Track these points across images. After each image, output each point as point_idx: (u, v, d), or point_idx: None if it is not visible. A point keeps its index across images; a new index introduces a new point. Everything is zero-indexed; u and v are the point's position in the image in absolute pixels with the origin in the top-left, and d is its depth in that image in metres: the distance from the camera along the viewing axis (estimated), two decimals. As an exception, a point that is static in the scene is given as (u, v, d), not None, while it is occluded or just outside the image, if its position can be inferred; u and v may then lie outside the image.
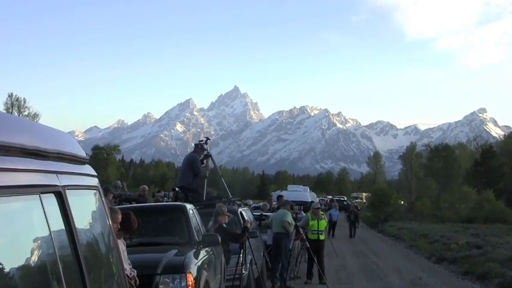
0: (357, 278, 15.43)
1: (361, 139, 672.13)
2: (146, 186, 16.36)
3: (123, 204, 11.97)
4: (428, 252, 21.05)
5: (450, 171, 65.45)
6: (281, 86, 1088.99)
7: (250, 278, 10.49)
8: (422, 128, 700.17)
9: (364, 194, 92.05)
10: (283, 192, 26.97)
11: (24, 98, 62.29)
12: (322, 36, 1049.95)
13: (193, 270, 6.65)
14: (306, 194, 33.14)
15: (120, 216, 5.37)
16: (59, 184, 2.42)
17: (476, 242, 21.60)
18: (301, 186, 41.61)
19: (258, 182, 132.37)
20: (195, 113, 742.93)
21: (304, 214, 17.62)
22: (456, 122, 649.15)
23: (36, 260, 2.09)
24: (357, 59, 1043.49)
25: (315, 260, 13.80)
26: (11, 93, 62.01)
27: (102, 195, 3.19)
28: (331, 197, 69.95)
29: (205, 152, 12.76)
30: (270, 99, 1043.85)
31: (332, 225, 28.01)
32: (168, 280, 6.42)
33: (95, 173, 3.15)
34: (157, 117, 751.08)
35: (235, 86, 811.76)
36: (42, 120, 60.81)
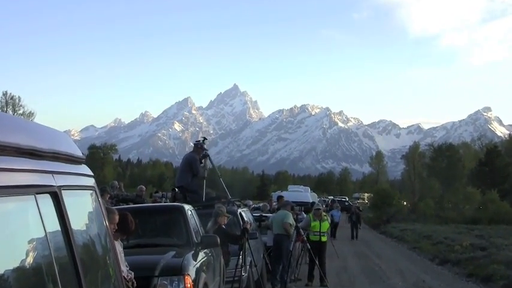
0: (359, 281, 15.44)
1: (363, 138, 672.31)
2: (144, 187, 16.34)
3: (120, 205, 11.96)
4: (432, 254, 21.07)
5: (454, 171, 65.38)
6: (281, 84, 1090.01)
7: (250, 280, 10.49)
8: (426, 127, 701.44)
9: (366, 195, 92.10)
10: (283, 193, 26.92)
11: (18, 97, 62.32)
12: (323, 33, 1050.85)
13: (192, 272, 6.65)
14: (306, 195, 33.11)
15: (117, 217, 5.37)
16: (54, 184, 2.42)
17: (481, 244, 21.62)
18: (301, 186, 41.56)
19: (257, 182, 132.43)
20: (194, 112, 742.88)
21: (305, 215, 17.62)
22: (460, 121, 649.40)
23: (31, 261, 2.09)
24: (359, 56, 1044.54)
25: (317, 262, 13.80)
26: (6, 92, 62.03)
27: (99, 196, 3.18)
28: (332, 197, 70.13)
29: (204, 152, 12.75)
30: (270, 98, 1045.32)
31: (334, 226, 28.03)
32: (166, 282, 6.42)
33: (92, 173, 3.15)
34: (155, 116, 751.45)
35: (235, 84, 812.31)
36: (37, 119, 60.87)
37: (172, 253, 7.02)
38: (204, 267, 7.38)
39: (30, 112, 61.30)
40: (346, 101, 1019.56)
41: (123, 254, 5.59)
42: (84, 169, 3.04)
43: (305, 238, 14.45)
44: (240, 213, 11.75)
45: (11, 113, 55.50)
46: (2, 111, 54.75)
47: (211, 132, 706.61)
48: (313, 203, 19.65)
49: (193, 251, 7.33)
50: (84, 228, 2.88)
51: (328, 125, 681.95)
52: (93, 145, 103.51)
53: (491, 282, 14.40)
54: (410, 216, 48.60)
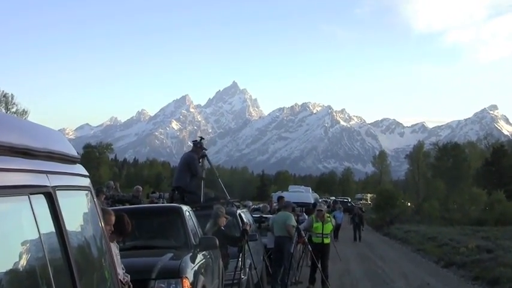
0: (362, 284, 15.45)
1: (365, 137, 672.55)
2: (140, 187, 16.35)
3: (116, 206, 11.96)
4: (437, 256, 21.07)
5: (459, 171, 65.42)
6: (282, 82, 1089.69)
7: (250, 283, 10.50)
8: (430, 125, 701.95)
9: (369, 195, 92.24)
10: (284, 193, 26.89)
11: (12, 94, 62.24)
12: (324, 29, 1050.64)
13: (190, 275, 6.66)
14: (308, 195, 33.10)
15: (113, 218, 5.37)
16: (49, 184, 2.42)
17: (487, 246, 21.61)
18: (302, 186, 41.57)
19: (257, 182, 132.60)
20: (192, 110, 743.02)
21: (306, 216, 17.62)
22: (466, 120, 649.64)
23: (25, 264, 2.09)
24: (361, 53, 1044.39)
25: (318, 265, 13.80)
26: (-2, 89, 61.94)
27: (94, 196, 3.19)
28: (334, 198, 70.13)
29: (202, 152, 12.76)
30: (270, 96, 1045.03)
31: (336, 228, 28.01)
32: (163, 285, 6.42)
33: (87, 173, 3.15)
34: (152, 115, 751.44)
35: (234, 81, 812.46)
36: (31, 118, 60.79)
37: (170, 255, 7.02)
38: (203, 270, 7.38)
39: (23, 110, 61.34)
40: (349, 99, 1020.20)
41: (119, 257, 5.59)
42: (79, 169, 3.04)
43: (306, 240, 14.44)
44: (240, 215, 11.76)
45: (3, 111, 55.45)
46: (-5, 109, 54.79)
47: (210, 131, 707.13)
48: (315, 204, 19.63)
49: (191, 253, 7.33)
50: (79, 229, 2.88)
51: (330, 124, 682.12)
52: (88, 144, 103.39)
53: (498, 285, 14.39)
54: (415, 217, 48.64)
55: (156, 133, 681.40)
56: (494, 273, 15.20)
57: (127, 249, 6.94)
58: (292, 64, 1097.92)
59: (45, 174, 2.43)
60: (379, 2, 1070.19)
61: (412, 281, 15.80)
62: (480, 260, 17.85)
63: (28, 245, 2.16)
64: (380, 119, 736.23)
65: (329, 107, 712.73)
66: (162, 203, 13.85)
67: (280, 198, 18.09)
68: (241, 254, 9.68)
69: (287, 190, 37.87)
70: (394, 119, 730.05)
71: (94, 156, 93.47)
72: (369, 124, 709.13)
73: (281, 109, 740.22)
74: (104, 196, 13.02)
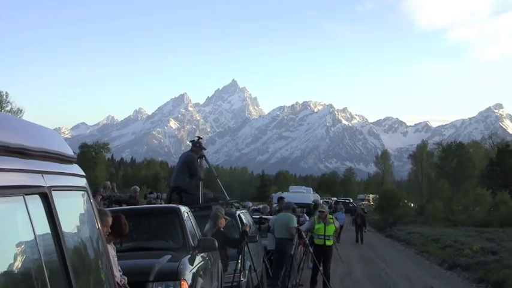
0: (364, 286, 15.46)
1: (368, 137, 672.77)
2: (137, 187, 16.35)
3: (112, 207, 11.97)
4: (440, 258, 21.09)
5: (464, 171, 65.48)
6: (282, 80, 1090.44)
7: (249, 285, 10.50)
8: (434, 125, 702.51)
9: (371, 196, 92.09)
10: (284, 194, 26.92)
11: (6, 92, 62.19)
12: (325, 27, 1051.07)
13: (188, 277, 6.65)
14: (308, 196, 33.10)
15: (110, 219, 5.37)
16: (44, 185, 2.42)
17: (492, 248, 21.62)
18: (303, 187, 41.56)
19: (257, 182, 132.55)
20: (190, 109, 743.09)
21: (307, 217, 17.61)
22: (470, 119, 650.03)
23: (19, 266, 2.09)
24: (364, 51, 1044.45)
25: (320, 267, 13.78)
26: (-8, 87, 61.93)
27: (91, 197, 3.18)
28: (335, 198, 70.12)
29: (202, 151, 12.78)
30: (270, 94, 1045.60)
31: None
32: (161, 288, 6.42)
33: (83, 173, 3.15)
34: (150, 113, 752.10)
35: (233, 79, 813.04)
36: (26, 117, 60.88)
37: (168, 257, 7.02)
38: (201, 272, 7.38)
39: (18, 109, 61.30)
40: (351, 97, 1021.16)
41: (116, 258, 5.59)
42: (76, 169, 3.04)
43: (307, 241, 14.42)
44: (239, 215, 11.75)
45: (-2, 109, 55.43)
46: (-11, 108, 54.81)
47: (209, 130, 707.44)
48: (315, 205, 19.59)
49: (189, 255, 7.33)
50: (76, 230, 2.88)
51: (332, 123, 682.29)
52: (84, 143, 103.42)
53: (503, 288, 14.41)
54: (418, 218, 48.63)
55: (154, 132, 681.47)
56: (499, 276, 15.20)
57: (124, 251, 6.94)
58: (293, 62, 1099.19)
59: (40, 174, 2.43)
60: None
61: (416, 284, 15.80)
62: (485, 262, 17.85)
63: (23, 246, 2.15)
64: (382, 118, 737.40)
65: (330, 106, 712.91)
66: (160, 203, 13.85)
67: (280, 199, 18.11)
68: (240, 256, 9.68)
69: (287, 191, 37.86)
70: (397, 118, 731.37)
71: (90, 155, 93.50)
72: (371, 123, 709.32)
73: (281, 108, 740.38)
74: (101, 197, 13.02)
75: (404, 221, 44.87)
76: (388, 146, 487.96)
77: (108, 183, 16.43)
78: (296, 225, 13.02)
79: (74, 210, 2.97)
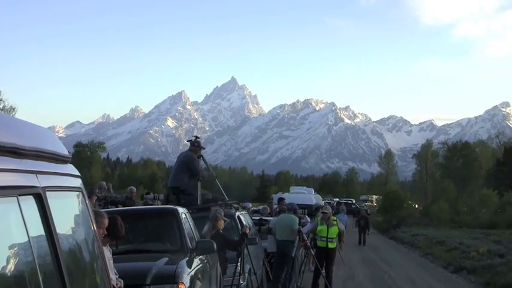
0: (367, 290, 15.47)
1: (371, 136, 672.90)
2: (134, 188, 16.37)
3: (108, 208, 11.97)
4: (446, 261, 21.12)
5: (470, 171, 65.52)
6: (283, 77, 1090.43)
7: (249, 289, 10.50)
8: (439, 123, 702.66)
9: (374, 197, 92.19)
10: (285, 195, 26.93)
11: (-1, 90, 62.15)
12: (328, 22, 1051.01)
13: (186, 280, 6.65)
14: (310, 197, 33.11)
15: (106, 221, 5.37)
16: (38, 185, 2.42)
17: (499, 250, 21.64)
18: (305, 188, 41.63)
19: (257, 183, 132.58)
20: (188, 107, 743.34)
21: (308, 219, 17.62)
22: (476, 117, 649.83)
23: (13, 268, 2.09)
24: (367, 47, 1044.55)
25: (322, 270, 13.77)
26: (-16, 85, 61.88)
27: (86, 198, 3.18)
28: (338, 199, 70.14)
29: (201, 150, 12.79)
30: (270, 92, 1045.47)
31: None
32: (158, 291, 6.42)
33: (78, 173, 3.15)
34: (146, 112, 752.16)
35: (233, 77, 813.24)
36: (19, 115, 60.77)
37: (165, 260, 7.02)
38: (200, 275, 7.38)
39: (11, 107, 61.12)
40: (353, 95, 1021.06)
41: (112, 261, 5.59)
42: (70, 169, 3.04)
43: (308, 244, 14.42)
44: (238, 217, 11.75)
45: (-10, 108, 55.41)
46: (-19, 106, 54.77)
47: (207, 129, 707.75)
48: (317, 208, 19.60)
49: (187, 258, 7.34)
50: (71, 232, 2.88)
51: (334, 122, 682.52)
52: (79, 143, 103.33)
53: (510, 291, 14.41)
54: (423, 220, 48.70)
55: (151, 131, 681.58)
56: (506, 279, 15.22)
57: (120, 253, 6.94)
58: (294, 59, 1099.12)
59: (34, 175, 2.43)
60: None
61: (420, 287, 15.83)
62: (491, 265, 17.87)
63: (16, 248, 2.15)
64: (386, 117, 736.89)
65: (333, 104, 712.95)
66: (157, 204, 13.85)
67: (280, 199, 18.11)
68: (240, 259, 9.68)
69: (288, 191, 37.88)
70: (401, 117, 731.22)
71: (85, 155, 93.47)
72: (375, 122, 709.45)
73: (282, 106, 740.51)
74: (96, 197, 13.03)
75: (408, 223, 44.93)
76: (392, 146, 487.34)
77: (104, 183, 16.43)
78: (297, 227, 13.04)
79: (68, 211, 2.97)
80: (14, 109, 60.96)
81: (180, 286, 6.44)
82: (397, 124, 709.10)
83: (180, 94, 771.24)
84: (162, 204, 12.63)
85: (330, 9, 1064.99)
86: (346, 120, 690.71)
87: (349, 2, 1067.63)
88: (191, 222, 8.64)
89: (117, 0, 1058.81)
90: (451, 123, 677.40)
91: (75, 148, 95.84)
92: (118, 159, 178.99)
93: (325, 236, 13.83)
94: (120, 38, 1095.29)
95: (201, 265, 7.68)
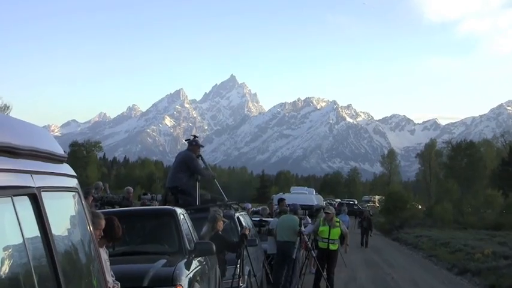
0: (369, 292, 15.47)
1: (373, 135, 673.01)
2: (131, 188, 16.37)
3: (105, 208, 11.98)
4: (450, 263, 21.12)
5: (474, 171, 65.47)
6: (283, 75, 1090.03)
7: (249, 291, 10.50)
8: (443, 122, 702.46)
9: (377, 197, 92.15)
10: (285, 195, 26.95)
11: (-8, 88, 62.17)
12: (329, 19, 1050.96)
13: (185, 282, 6.66)
14: (311, 197, 33.13)
15: (102, 222, 5.37)
16: (33, 185, 2.42)
17: (504, 252, 21.65)
18: (306, 188, 41.63)
19: (257, 183, 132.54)
20: (186, 105, 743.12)
21: (309, 220, 17.62)
22: (481, 116, 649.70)
23: (7, 270, 2.09)
24: (369, 44, 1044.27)
25: (323, 273, 13.77)
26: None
27: (82, 198, 3.18)
28: (339, 200, 70.13)
29: (201, 150, 12.80)
30: (270, 90, 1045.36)
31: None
32: (156, 294, 6.42)
33: (74, 173, 3.15)
34: (144, 110, 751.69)
35: (232, 75, 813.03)
36: (13, 113, 60.75)
37: (163, 262, 7.03)
38: (198, 277, 7.38)
39: (5, 105, 61.17)
40: (355, 93, 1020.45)
41: (108, 263, 5.59)
42: (66, 169, 3.04)
43: (309, 245, 14.42)
44: (238, 218, 11.76)
45: (-16, 106, 55.41)
46: (-26, 104, 54.77)
47: (206, 127, 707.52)
48: (318, 209, 19.56)
49: (186, 260, 7.34)
50: (66, 233, 2.88)
51: (335, 120, 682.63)
52: (75, 142, 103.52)
53: (516, 294, 14.43)
54: (426, 221, 48.69)
55: (148, 130, 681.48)
56: (511, 281, 15.22)
57: (117, 255, 6.94)
58: (295, 56, 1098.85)
59: (29, 174, 2.43)
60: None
61: (423, 290, 15.82)
62: (496, 267, 17.88)
63: (11, 250, 2.15)
64: (389, 116, 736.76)
65: (334, 103, 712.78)
66: (155, 205, 13.85)
67: (281, 200, 18.12)
68: (239, 260, 9.68)
69: (289, 192, 37.89)
70: (404, 116, 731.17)
71: (81, 155, 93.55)
72: (377, 121, 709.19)
73: (282, 104, 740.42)
74: (92, 198, 13.01)
75: (411, 224, 44.95)
76: (395, 145, 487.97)
77: (100, 183, 16.42)
78: (300, 228, 13.06)
79: (64, 212, 2.97)
80: (8, 107, 60.97)
81: (178, 288, 6.45)
82: (400, 123, 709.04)
83: (178, 92, 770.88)
84: (159, 205, 12.64)
85: (331, 6, 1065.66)
86: (348, 119, 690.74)
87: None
88: (189, 223, 8.64)
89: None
90: (455, 122, 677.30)
91: (71, 147, 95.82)
92: (115, 158, 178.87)
93: (327, 237, 13.79)
94: (117, 35, 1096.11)
95: (199, 267, 7.68)
